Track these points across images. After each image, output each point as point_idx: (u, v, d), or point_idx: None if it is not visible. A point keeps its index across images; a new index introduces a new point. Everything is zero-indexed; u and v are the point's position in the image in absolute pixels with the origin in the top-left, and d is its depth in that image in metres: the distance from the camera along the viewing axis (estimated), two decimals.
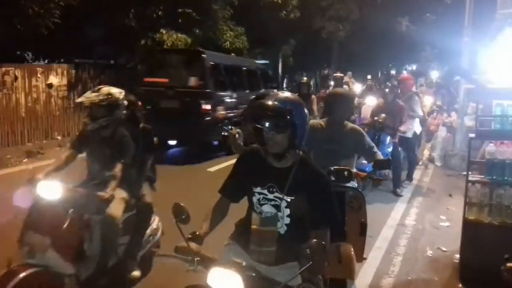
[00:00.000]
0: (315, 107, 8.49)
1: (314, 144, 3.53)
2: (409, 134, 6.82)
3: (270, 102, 1.99)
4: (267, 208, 2.09)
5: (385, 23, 21.61)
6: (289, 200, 2.05)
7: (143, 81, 9.03)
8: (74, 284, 2.87)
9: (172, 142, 8.96)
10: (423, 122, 7.66)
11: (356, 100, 8.84)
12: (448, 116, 9.37)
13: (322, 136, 3.47)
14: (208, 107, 8.59)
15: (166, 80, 8.73)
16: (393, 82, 7.94)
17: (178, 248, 1.93)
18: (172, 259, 1.96)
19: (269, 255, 2.06)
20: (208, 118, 8.48)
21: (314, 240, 1.74)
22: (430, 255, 4.47)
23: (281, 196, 2.05)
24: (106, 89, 3.25)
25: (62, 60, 11.54)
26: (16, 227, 2.87)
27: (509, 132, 3.82)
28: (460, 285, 3.83)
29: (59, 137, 10.04)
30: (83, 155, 3.36)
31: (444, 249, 4.57)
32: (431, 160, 8.93)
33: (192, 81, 8.81)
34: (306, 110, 2.11)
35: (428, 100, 9.88)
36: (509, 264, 2.38)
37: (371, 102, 7.91)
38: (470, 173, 3.95)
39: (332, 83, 18.27)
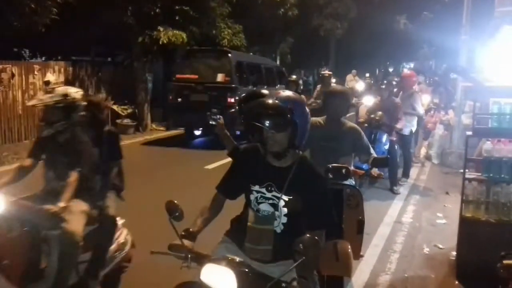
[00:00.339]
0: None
1: (313, 141, 3.54)
2: (406, 132, 6.83)
3: (270, 101, 1.99)
4: (265, 207, 2.08)
5: (383, 21, 21.66)
6: (287, 199, 2.05)
7: (175, 77, 10.37)
8: None
9: (197, 132, 10.02)
10: (420, 120, 7.65)
11: (354, 100, 8.84)
12: (445, 114, 9.38)
13: (320, 134, 3.48)
14: (233, 100, 9.46)
15: (196, 76, 10.00)
16: (389, 80, 7.92)
17: (171, 246, 1.94)
18: (166, 256, 1.95)
19: (265, 254, 2.06)
20: (232, 110, 8.90)
21: (307, 235, 1.74)
22: (427, 253, 4.48)
23: (279, 195, 2.05)
24: (61, 89, 2.94)
25: (59, 58, 11.52)
26: None
27: (506, 130, 3.83)
28: (457, 282, 3.84)
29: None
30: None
31: (440, 246, 4.58)
32: (428, 157, 8.95)
33: (219, 77, 9.91)
34: (307, 110, 2.10)
35: (425, 99, 9.89)
36: (505, 262, 2.39)
37: (368, 101, 7.91)
38: (467, 170, 3.96)
39: (333, 80, 18.30)
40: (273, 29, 16.44)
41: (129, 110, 11.80)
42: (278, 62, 19.24)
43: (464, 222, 3.85)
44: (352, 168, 3.38)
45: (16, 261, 2.61)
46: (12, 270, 2.57)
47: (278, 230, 2.08)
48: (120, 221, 3.28)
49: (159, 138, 11.25)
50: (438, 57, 26.65)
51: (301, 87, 9.17)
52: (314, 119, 3.74)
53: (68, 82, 10.40)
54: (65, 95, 2.88)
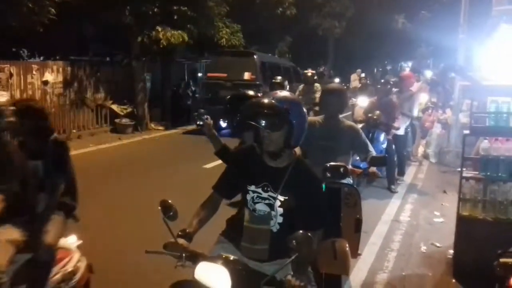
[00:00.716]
0: None
1: (311, 141, 3.55)
2: (401, 132, 6.85)
3: (266, 100, 2.00)
4: (261, 207, 2.09)
5: (381, 20, 21.65)
6: (282, 199, 2.06)
7: (207, 76, 12.19)
8: None
9: (224, 124, 10.56)
10: (412, 121, 7.72)
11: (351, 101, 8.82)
12: (443, 113, 9.39)
13: (318, 133, 3.49)
14: (258, 95, 10.30)
15: (225, 75, 11.30)
16: (387, 79, 7.92)
17: (166, 245, 1.94)
18: (161, 255, 1.95)
19: (262, 253, 2.07)
20: None
21: (300, 231, 1.75)
22: (424, 251, 4.50)
23: (275, 195, 2.06)
24: None
25: (57, 57, 11.49)
26: None
27: (503, 128, 3.84)
28: (454, 281, 3.86)
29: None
30: None
31: (438, 244, 4.59)
32: (425, 156, 8.97)
33: (246, 75, 11.31)
34: (304, 110, 2.11)
35: (423, 97, 9.90)
36: (502, 260, 2.40)
37: (363, 102, 7.91)
38: (464, 169, 3.97)
39: (337, 80, 18.29)
40: (271, 28, 16.44)
41: (128, 110, 11.79)
42: None
43: (461, 221, 3.86)
44: (350, 167, 3.39)
45: None
46: None
47: (275, 230, 2.08)
48: (73, 244, 2.88)
49: (157, 138, 11.26)
50: (436, 56, 26.65)
51: (287, 88, 8.91)
52: (312, 118, 3.76)
53: (66, 82, 10.40)
54: None
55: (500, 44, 5.89)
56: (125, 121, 11.61)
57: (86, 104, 11.01)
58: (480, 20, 8.96)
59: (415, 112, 7.23)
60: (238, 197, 2.24)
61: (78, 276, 2.81)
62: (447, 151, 8.45)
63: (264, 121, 1.96)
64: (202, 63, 17.65)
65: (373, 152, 3.51)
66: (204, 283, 1.82)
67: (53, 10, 8.34)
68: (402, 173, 7.20)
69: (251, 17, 14.41)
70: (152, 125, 12.31)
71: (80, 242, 2.90)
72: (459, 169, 4.10)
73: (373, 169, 3.42)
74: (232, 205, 2.42)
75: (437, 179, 7.43)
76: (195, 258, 1.88)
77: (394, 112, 6.44)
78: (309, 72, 9.18)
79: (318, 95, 8.72)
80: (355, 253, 3.33)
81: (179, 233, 1.98)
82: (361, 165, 4.14)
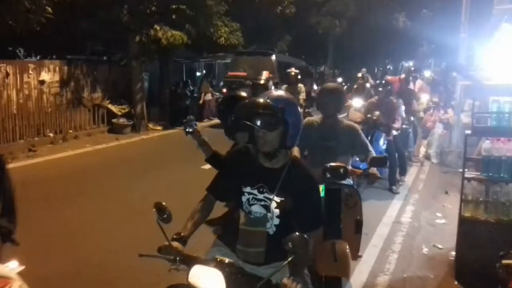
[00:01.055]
0: None
1: (310, 141, 3.49)
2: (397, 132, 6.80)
3: (262, 100, 1.98)
4: (257, 208, 2.06)
5: (382, 19, 21.62)
6: (278, 200, 2.02)
7: (227, 74, 13.15)
8: None
9: None
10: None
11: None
12: (444, 113, 9.35)
13: (317, 133, 3.45)
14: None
15: (244, 74, 12.18)
16: (386, 79, 7.87)
17: (161, 248, 1.92)
18: (155, 259, 1.93)
19: (258, 256, 2.04)
20: None
21: (296, 233, 1.72)
22: (426, 253, 4.45)
23: (271, 196, 2.03)
24: None
25: (54, 56, 11.41)
26: None
27: (506, 128, 3.79)
28: (456, 282, 3.82)
29: (51, 134, 9.93)
30: None
31: (440, 246, 4.55)
32: (427, 157, 8.91)
33: (264, 74, 11.76)
34: (299, 109, 2.08)
35: (424, 97, 9.86)
36: (504, 261, 2.36)
37: (358, 104, 7.86)
38: (466, 170, 3.92)
39: (339, 80, 18.22)
40: (271, 27, 16.40)
41: (126, 110, 11.73)
42: None
43: (463, 222, 3.82)
44: (349, 167, 3.33)
45: None
46: None
47: (271, 232, 2.05)
48: (13, 270, 2.38)
49: (155, 138, 11.20)
50: (438, 55, 26.65)
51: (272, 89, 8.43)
52: (310, 118, 3.71)
53: (63, 81, 10.33)
54: None
55: (502, 43, 5.85)
56: (122, 121, 11.54)
57: (83, 104, 10.94)
58: (481, 19, 8.93)
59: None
60: None
61: None
62: (448, 152, 8.39)
63: (259, 121, 1.93)
64: (201, 62, 17.61)
65: (373, 152, 3.47)
66: (198, 286, 1.79)
67: (49, 9, 8.27)
68: (404, 172, 7.14)
69: (250, 15, 14.38)
70: (150, 125, 12.25)
71: (22, 268, 2.45)
72: (461, 170, 4.04)
73: (373, 169, 3.37)
74: (229, 205, 2.37)
75: (438, 180, 7.38)
76: (189, 261, 1.87)
77: (394, 113, 6.40)
78: (293, 71, 8.72)
79: (302, 96, 8.64)
80: (356, 255, 3.29)
81: (174, 236, 1.97)
82: (361, 166, 4.08)
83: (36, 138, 9.54)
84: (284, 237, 1.74)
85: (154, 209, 1.97)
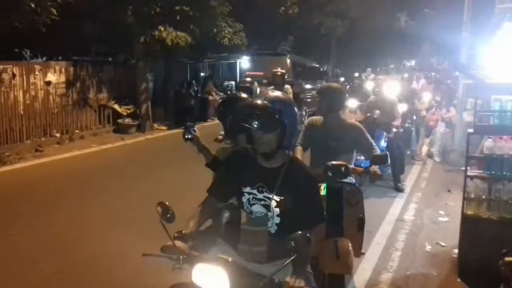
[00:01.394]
0: None
1: (313, 141, 3.53)
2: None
3: (259, 102, 1.98)
4: (257, 208, 2.07)
5: (384, 18, 21.58)
6: (278, 199, 2.04)
7: (245, 73, 13.90)
8: None
9: None
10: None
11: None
12: (447, 112, 9.36)
13: (321, 132, 3.48)
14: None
15: (262, 73, 12.66)
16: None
17: (164, 247, 1.91)
18: (158, 258, 1.94)
19: (260, 255, 2.05)
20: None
21: (299, 232, 1.74)
22: (429, 250, 4.47)
23: (270, 196, 2.04)
24: None
25: (60, 58, 11.50)
26: None
27: (508, 127, 3.81)
28: (459, 280, 3.83)
29: (57, 135, 10.02)
30: None
31: (442, 244, 4.57)
32: (430, 155, 8.92)
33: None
34: (296, 110, 2.09)
35: (426, 96, 9.88)
36: (507, 259, 2.37)
37: (353, 104, 7.86)
38: (468, 168, 3.93)
39: (342, 79, 18.24)
40: (274, 27, 16.42)
41: (131, 110, 11.81)
42: None
43: (466, 220, 3.83)
44: (351, 166, 3.36)
45: None
46: None
47: (272, 231, 2.06)
48: None
49: (160, 138, 11.26)
50: (440, 54, 26.55)
51: (256, 90, 7.80)
52: (313, 118, 3.75)
53: (69, 82, 10.42)
54: None
55: (504, 42, 5.86)
56: (128, 121, 11.62)
57: (89, 104, 11.03)
58: (483, 18, 8.92)
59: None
60: None
61: None
62: (451, 150, 8.40)
63: (256, 123, 1.94)
64: (205, 62, 17.68)
65: (377, 150, 3.48)
66: (202, 285, 1.80)
67: (54, 10, 8.35)
68: (402, 170, 7.15)
69: (254, 16, 14.42)
70: (155, 125, 12.32)
71: None
72: (464, 168, 4.06)
73: (374, 168, 3.39)
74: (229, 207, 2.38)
75: (441, 178, 7.39)
76: (192, 260, 1.86)
77: (395, 110, 6.42)
78: (278, 71, 8.31)
79: None
80: (358, 252, 3.31)
81: (175, 234, 1.96)
82: (362, 164, 4.12)
83: (42, 139, 9.64)
84: (286, 236, 1.75)
85: (158, 208, 1.98)
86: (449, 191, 6.45)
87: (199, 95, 14.73)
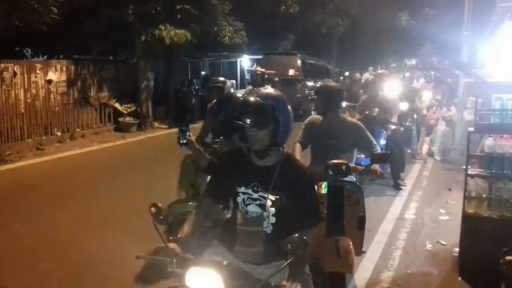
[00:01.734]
0: None
1: (313, 139, 3.54)
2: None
3: (252, 99, 1.97)
4: (253, 208, 2.04)
5: (385, 17, 21.56)
6: (273, 199, 2.01)
7: (258, 70, 14.05)
8: None
9: None
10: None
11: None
12: (447, 110, 9.35)
13: (320, 131, 3.48)
14: (300, 88, 13.91)
15: (274, 72, 12.68)
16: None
17: (157, 249, 1.89)
18: (151, 260, 1.91)
19: (257, 256, 2.02)
20: (299, 95, 13.43)
21: (296, 235, 1.71)
22: (430, 249, 4.47)
23: (265, 195, 2.01)
24: None
25: (61, 56, 11.52)
26: None
27: (508, 126, 3.80)
28: (459, 278, 3.83)
29: (58, 133, 10.04)
30: None
31: (443, 242, 4.57)
32: (430, 154, 8.92)
33: (291, 71, 14.19)
34: (289, 107, 2.07)
35: (427, 95, 9.87)
36: (508, 257, 2.38)
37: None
38: (469, 167, 3.93)
39: (342, 78, 18.24)
40: (275, 26, 16.42)
41: (132, 108, 11.82)
42: None
43: (466, 219, 3.84)
44: (352, 164, 3.36)
45: None
46: None
47: (268, 231, 2.03)
48: None
49: (161, 136, 11.27)
50: (441, 53, 26.53)
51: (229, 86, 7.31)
52: (313, 116, 3.75)
53: (70, 81, 10.43)
54: None
55: (504, 41, 5.85)
56: (128, 119, 11.64)
57: (90, 103, 11.05)
58: (484, 17, 8.92)
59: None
60: None
61: None
62: (451, 149, 8.39)
63: (249, 120, 1.92)
64: (205, 61, 17.67)
65: (378, 148, 3.48)
66: None
67: (55, 9, 8.36)
68: (402, 168, 7.14)
69: (254, 15, 14.42)
70: (156, 124, 12.33)
71: None
72: (464, 167, 4.06)
73: (375, 166, 3.39)
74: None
75: (442, 176, 7.38)
76: (186, 263, 1.81)
77: (393, 108, 6.40)
78: (258, 70, 8.10)
79: None
80: (359, 251, 3.31)
81: (171, 237, 1.96)
82: (363, 163, 4.12)
83: (43, 137, 9.66)
84: (282, 236, 1.73)
85: (151, 209, 1.96)
86: (449, 189, 6.45)
87: (200, 93, 14.73)
